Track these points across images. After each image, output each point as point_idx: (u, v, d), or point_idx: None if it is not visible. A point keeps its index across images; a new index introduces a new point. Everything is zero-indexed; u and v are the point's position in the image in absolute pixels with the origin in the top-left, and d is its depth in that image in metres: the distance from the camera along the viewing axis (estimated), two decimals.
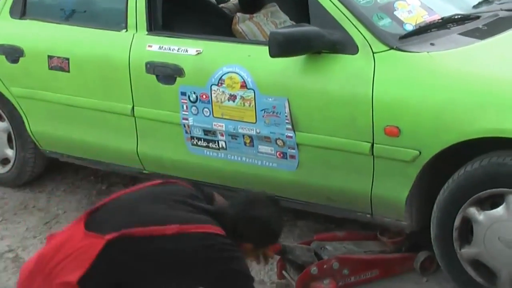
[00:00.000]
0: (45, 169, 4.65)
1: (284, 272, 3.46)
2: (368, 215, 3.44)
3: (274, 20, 4.29)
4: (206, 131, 3.68)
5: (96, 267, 2.51)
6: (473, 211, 3.11)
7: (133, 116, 3.91)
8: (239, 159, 3.65)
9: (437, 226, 3.24)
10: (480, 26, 3.50)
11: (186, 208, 2.72)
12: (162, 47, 3.74)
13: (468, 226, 3.18)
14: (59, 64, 4.08)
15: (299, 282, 3.30)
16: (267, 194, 2.93)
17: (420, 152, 3.13)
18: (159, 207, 2.70)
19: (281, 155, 3.52)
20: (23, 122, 4.38)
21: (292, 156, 3.49)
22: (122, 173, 4.29)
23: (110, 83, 3.94)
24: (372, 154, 3.25)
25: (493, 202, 3.09)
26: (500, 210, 3.05)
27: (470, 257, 3.19)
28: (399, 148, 3.17)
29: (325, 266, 3.33)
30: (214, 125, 3.63)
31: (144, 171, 4.06)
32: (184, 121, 3.71)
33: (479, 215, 3.09)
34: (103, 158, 4.20)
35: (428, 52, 3.17)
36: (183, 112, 3.70)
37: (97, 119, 4.07)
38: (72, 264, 2.53)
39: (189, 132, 3.74)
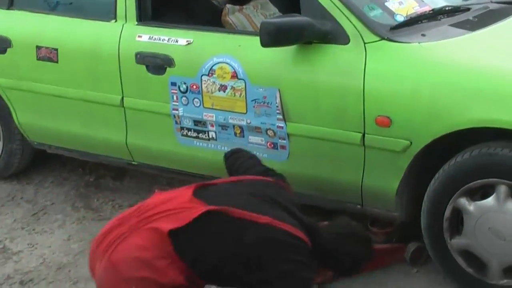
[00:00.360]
0: (32, 161, 4.58)
1: None
2: (359, 206, 3.41)
3: (264, 12, 4.26)
4: (196, 122, 3.64)
5: (190, 228, 2.62)
6: (463, 201, 3.09)
7: (123, 106, 3.85)
8: (229, 149, 3.61)
9: (427, 216, 3.22)
10: (471, 18, 3.49)
11: (287, 213, 2.79)
12: (152, 37, 3.70)
13: (458, 217, 3.16)
14: (48, 55, 4.02)
15: None
16: (364, 232, 3.01)
17: (411, 143, 3.10)
18: (261, 203, 2.79)
19: (272, 145, 3.48)
20: (10, 113, 4.31)
21: (283, 147, 3.46)
22: (110, 164, 4.24)
23: (99, 74, 3.88)
24: (363, 144, 3.23)
25: (484, 192, 3.07)
26: (490, 200, 3.03)
27: (460, 248, 3.17)
28: (390, 138, 3.14)
29: None
30: (204, 115, 3.59)
31: (133, 162, 4.01)
32: (174, 111, 3.67)
33: (470, 206, 3.07)
34: (91, 149, 4.14)
35: (419, 43, 3.15)
36: (173, 103, 3.66)
37: (86, 110, 4.01)
38: (170, 217, 2.65)
39: (179, 122, 3.70)
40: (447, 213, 3.15)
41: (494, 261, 3.10)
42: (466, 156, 3.05)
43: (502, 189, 2.99)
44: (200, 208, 2.68)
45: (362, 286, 3.33)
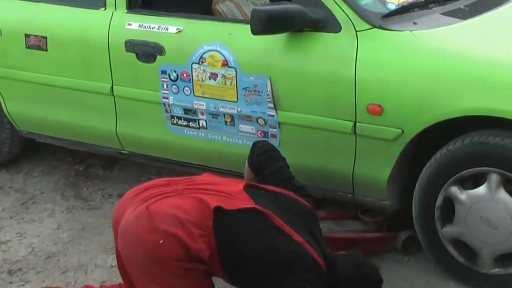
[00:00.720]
0: (21, 150, 4.50)
1: None
2: (350, 195, 3.37)
3: (254, 1, 4.19)
4: (186, 110, 3.58)
5: (234, 215, 2.65)
6: (455, 190, 3.05)
7: (112, 95, 3.78)
8: (219, 138, 3.56)
9: (418, 205, 3.17)
10: (462, 7, 3.44)
11: (313, 236, 2.81)
12: (142, 25, 3.62)
13: (450, 205, 3.12)
14: (37, 43, 3.94)
15: None
16: (377, 276, 2.90)
17: (402, 131, 3.06)
18: (298, 220, 2.80)
19: (262, 134, 3.43)
20: None
21: (274, 135, 3.41)
22: (100, 153, 4.17)
23: (88, 62, 3.81)
24: (355, 133, 3.18)
25: (475, 181, 3.03)
26: (482, 189, 2.99)
27: (451, 237, 3.13)
28: (382, 127, 3.10)
29: None
30: (195, 104, 3.53)
31: (123, 151, 3.94)
32: (164, 100, 3.61)
33: (461, 194, 3.03)
34: (81, 138, 4.07)
35: (411, 31, 3.10)
36: (163, 91, 3.60)
37: (76, 99, 3.94)
38: (219, 198, 2.68)
39: (169, 111, 3.63)
40: (439, 201, 3.11)
41: (485, 250, 3.06)
42: (458, 144, 3.00)
43: (494, 177, 2.94)
44: (249, 203, 2.70)
45: None
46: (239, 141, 3.51)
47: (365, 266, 2.87)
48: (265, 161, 3.12)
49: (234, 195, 2.74)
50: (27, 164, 4.50)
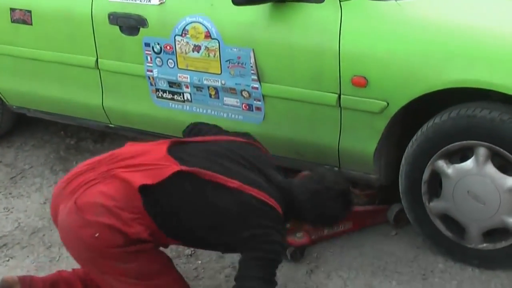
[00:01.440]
0: (14, 124, 4.35)
1: None
2: (336, 168, 3.18)
3: None
4: (171, 83, 3.39)
5: (161, 186, 2.47)
6: (442, 164, 2.86)
7: (98, 68, 3.60)
8: (204, 111, 3.38)
9: (405, 179, 2.99)
10: None
11: (257, 174, 2.63)
12: None
13: (437, 180, 2.94)
14: (22, 17, 3.74)
15: None
16: (342, 184, 2.74)
17: (387, 104, 2.87)
18: (233, 164, 2.62)
19: (247, 107, 3.24)
20: None
21: (258, 108, 3.22)
22: (89, 127, 4.00)
23: (73, 36, 3.61)
24: (339, 105, 2.99)
25: (463, 155, 2.85)
26: (469, 163, 2.81)
27: (439, 211, 2.96)
28: (367, 99, 2.91)
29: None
30: (179, 76, 3.34)
31: (111, 125, 3.78)
32: (148, 73, 3.42)
33: (448, 168, 2.85)
34: (69, 112, 3.90)
35: (396, 1, 2.89)
36: (148, 64, 3.41)
37: (62, 73, 3.76)
38: (143, 173, 2.50)
39: (154, 84, 3.45)
40: (426, 176, 2.93)
41: (473, 225, 2.89)
42: (445, 117, 2.81)
43: (481, 151, 2.76)
44: (173, 167, 2.50)
45: (339, 249, 3.13)
46: (224, 114, 3.32)
47: (326, 177, 2.73)
48: (197, 129, 3.01)
49: (159, 163, 2.53)
50: (19, 138, 4.34)
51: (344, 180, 2.78)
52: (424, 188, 2.95)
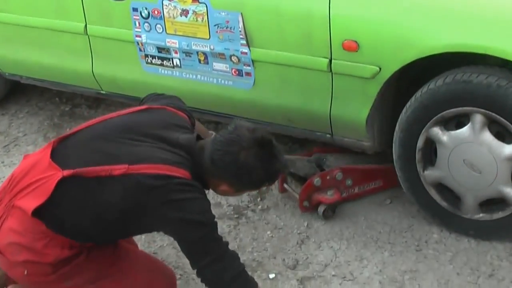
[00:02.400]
0: (9, 91, 4.12)
1: (285, 185, 3.07)
2: (328, 135, 2.96)
3: None
4: (160, 49, 3.15)
5: (52, 201, 2.16)
6: (436, 131, 2.63)
7: (87, 34, 3.35)
8: (194, 77, 3.14)
9: (399, 147, 2.76)
10: None
11: (153, 143, 2.24)
12: None
13: (431, 147, 2.71)
14: None
15: (303, 194, 2.92)
16: (257, 135, 2.24)
17: (380, 69, 2.62)
18: (120, 144, 2.24)
19: (237, 72, 3.00)
20: None
21: (248, 74, 2.98)
22: (82, 94, 3.78)
23: (61, 1, 3.35)
24: (330, 70, 2.74)
25: (459, 122, 2.61)
26: (465, 130, 2.57)
27: (433, 180, 2.74)
28: (358, 64, 2.66)
29: (328, 177, 2.93)
30: (168, 42, 3.09)
31: (102, 92, 3.55)
32: (137, 38, 3.17)
33: (443, 136, 2.62)
34: (61, 79, 3.65)
35: None
36: (136, 29, 3.16)
37: (52, 40, 3.50)
38: (33, 194, 2.19)
39: (143, 50, 3.21)
40: (420, 143, 2.70)
41: (469, 195, 2.66)
42: (439, 83, 2.56)
43: (478, 118, 2.52)
44: (56, 177, 2.16)
45: (331, 218, 2.91)
46: (214, 80, 3.08)
47: (241, 126, 2.26)
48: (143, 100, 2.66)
49: (43, 176, 2.18)
50: (14, 106, 4.12)
51: (265, 131, 2.28)
52: (418, 156, 2.72)
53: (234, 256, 2.23)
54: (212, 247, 2.18)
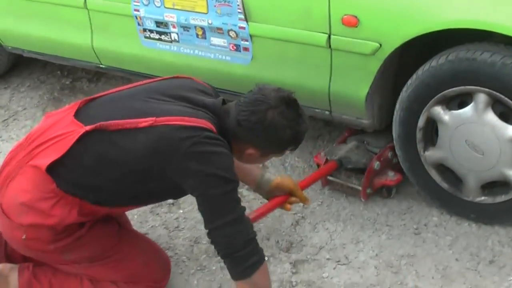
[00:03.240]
0: (11, 65, 3.97)
1: (330, 177, 2.79)
2: (327, 112, 2.78)
3: None
4: (158, 23, 2.97)
5: (69, 157, 2.04)
6: (438, 110, 2.45)
7: (86, 8, 3.18)
8: (192, 52, 2.96)
9: (399, 125, 2.58)
10: None
11: (179, 102, 2.12)
12: None
13: (433, 127, 2.53)
14: None
15: (366, 181, 2.69)
16: (283, 94, 2.13)
17: (380, 45, 2.43)
18: (147, 102, 2.12)
19: (234, 47, 2.83)
20: None
21: (246, 49, 2.80)
22: (83, 68, 3.62)
23: None
24: (329, 46, 2.56)
25: (461, 101, 2.42)
26: (468, 110, 2.38)
27: (434, 161, 2.56)
28: (358, 40, 2.47)
29: (382, 158, 2.73)
30: (166, 16, 2.92)
31: (101, 66, 3.39)
32: (135, 12, 3.00)
33: (445, 115, 2.44)
34: (61, 53, 3.49)
35: None
36: (134, 3, 2.98)
37: (52, 13, 3.34)
38: (50, 149, 2.07)
39: (141, 24, 3.04)
40: (421, 122, 2.52)
41: (470, 177, 2.48)
42: (442, 60, 2.37)
43: (481, 98, 2.33)
44: (77, 132, 2.04)
45: (328, 199, 2.76)
46: (212, 55, 2.91)
47: (265, 87, 2.16)
48: None
49: (64, 132, 2.06)
50: (16, 79, 3.97)
51: (290, 91, 2.17)
52: (419, 135, 2.54)
53: (249, 221, 2.09)
54: (230, 207, 2.03)
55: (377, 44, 2.44)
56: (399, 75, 2.62)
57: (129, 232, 2.33)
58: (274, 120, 2.08)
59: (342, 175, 2.81)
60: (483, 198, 2.51)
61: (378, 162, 2.73)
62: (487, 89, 2.29)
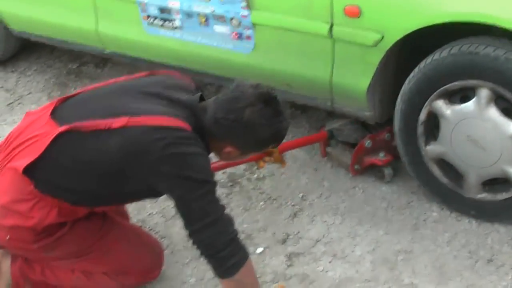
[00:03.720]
0: (19, 49, 3.91)
1: (328, 149, 2.84)
2: (329, 103, 2.70)
3: None
4: (161, 9, 2.91)
5: (45, 158, 1.97)
6: (440, 104, 2.36)
7: None
8: (194, 39, 2.90)
9: (401, 119, 2.50)
10: None
11: (154, 101, 2.02)
12: None
13: (434, 121, 2.45)
14: None
15: (354, 157, 2.71)
16: (262, 91, 2.02)
17: (382, 36, 2.35)
18: (120, 100, 2.05)
19: (237, 35, 2.75)
20: None
21: (248, 37, 2.73)
22: (89, 53, 3.57)
23: None
24: (331, 36, 2.48)
25: (463, 95, 2.34)
26: (470, 105, 2.30)
27: (435, 156, 2.48)
28: (360, 30, 2.40)
29: (377, 138, 2.70)
30: (169, 3, 2.85)
31: (106, 51, 3.33)
32: None
33: (447, 110, 2.35)
34: (67, 37, 3.43)
35: None
36: None
37: None
38: (27, 150, 2.01)
39: (145, 10, 2.97)
40: (422, 116, 2.44)
41: (471, 173, 2.40)
42: (445, 54, 2.29)
43: (484, 93, 2.24)
44: (52, 133, 1.97)
45: (328, 191, 2.68)
46: (214, 42, 2.83)
47: (243, 84, 2.03)
48: None
49: (40, 133, 2.00)
50: (23, 63, 3.92)
51: (269, 87, 2.06)
52: (420, 129, 2.46)
53: (230, 220, 1.99)
54: (209, 209, 1.94)
55: (379, 36, 2.36)
56: (402, 68, 2.55)
57: (116, 225, 2.24)
58: (251, 118, 1.99)
59: (338, 148, 2.82)
60: (483, 195, 2.42)
61: (369, 141, 2.71)
62: (490, 84, 2.20)
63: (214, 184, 1.96)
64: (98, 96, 2.11)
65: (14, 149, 2.02)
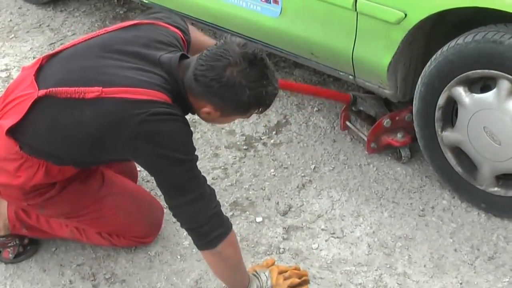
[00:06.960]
0: None
1: (348, 123, 2.70)
2: (351, 76, 2.52)
3: None
4: None
5: (27, 121, 1.89)
6: (459, 91, 2.16)
7: None
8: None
9: (419, 101, 2.31)
10: None
11: (133, 61, 1.86)
12: None
13: (453, 108, 2.25)
14: None
15: (371, 135, 2.57)
16: (248, 51, 1.79)
17: (405, 15, 2.14)
18: (98, 62, 1.89)
19: None
20: None
21: (276, 1, 2.56)
22: None
23: None
24: (355, 9, 2.28)
25: (484, 85, 2.13)
26: (490, 95, 2.09)
27: (451, 143, 2.29)
28: (383, 6, 2.18)
29: (397, 118, 2.54)
30: None
31: (144, 1, 3.22)
32: None
33: (466, 97, 2.15)
34: None
35: None
36: None
37: None
38: (12, 111, 1.93)
39: None
40: (441, 101, 2.24)
41: (485, 165, 2.21)
42: (468, 39, 2.07)
43: (504, 85, 2.03)
44: (32, 96, 1.85)
45: (341, 165, 2.53)
46: (243, 3, 2.65)
47: (231, 40, 1.82)
48: None
49: (23, 94, 1.87)
50: (73, 3, 3.82)
51: (259, 48, 1.84)
52: (438, 114, 2.27)
53: (211, 195, 1.86)
54: (188, 186, 1.82)
55: (402, 14, 2.14)
56: (429, 50, 2.33)
57: (113, 191, 2.14)
58: (232, 78, 1.77)
59: (358, 124, 2.67)
60: (496, 189, 2.23)
61: (389, 120, 2.53)
62: (510, 76, 2.00)
63: (193, 160, 1.83)
64: (77, 54, 1.95)
65: (5, 105, 1.94)
